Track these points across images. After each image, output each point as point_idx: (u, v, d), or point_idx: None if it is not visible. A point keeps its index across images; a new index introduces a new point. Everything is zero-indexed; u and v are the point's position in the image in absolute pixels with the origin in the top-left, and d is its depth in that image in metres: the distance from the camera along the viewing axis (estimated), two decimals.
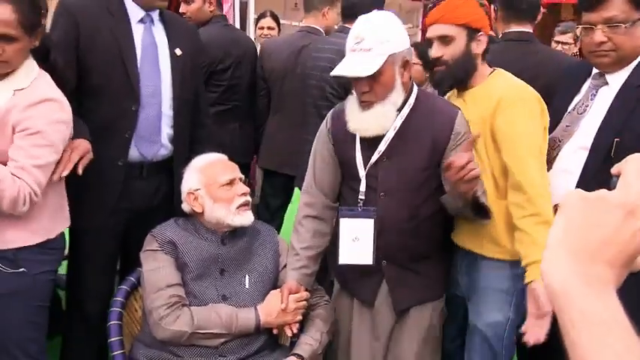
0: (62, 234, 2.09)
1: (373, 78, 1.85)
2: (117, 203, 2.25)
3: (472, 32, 2.03)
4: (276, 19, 4.60)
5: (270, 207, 3.39)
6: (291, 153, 3.20)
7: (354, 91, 1.98)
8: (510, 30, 2.65)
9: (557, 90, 2.19)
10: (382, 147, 1.96)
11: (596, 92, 2.01)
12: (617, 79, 1.96)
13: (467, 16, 2.02)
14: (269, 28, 4.42)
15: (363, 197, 1.99)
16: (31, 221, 1.94)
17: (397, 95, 1.91)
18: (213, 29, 3.32)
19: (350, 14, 2.80)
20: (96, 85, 2.18)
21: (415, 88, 2.01)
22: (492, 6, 2.53)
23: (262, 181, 3.52)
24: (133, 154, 2.26)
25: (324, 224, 2.15)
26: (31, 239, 1.96)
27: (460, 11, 2.01)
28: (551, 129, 2.04)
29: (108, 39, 2.18)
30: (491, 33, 2.21)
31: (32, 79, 1.89)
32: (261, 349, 2.08)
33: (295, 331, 2.11)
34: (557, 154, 2.03)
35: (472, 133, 1.95)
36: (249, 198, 2.18)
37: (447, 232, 2.15)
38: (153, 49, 2.28)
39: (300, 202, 2.20)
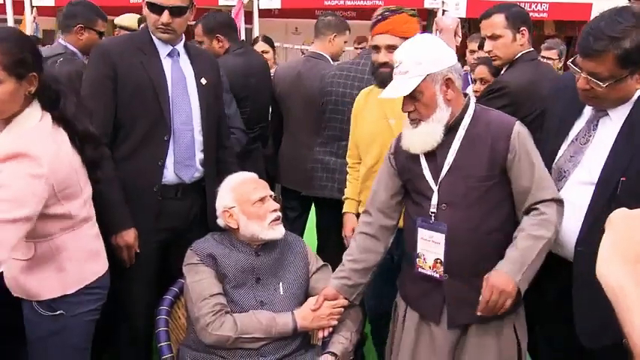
0: (106, 273, 2.13)
1: (415, 98, 2.00)
2: (156, 224, 2.48)
3: None
4: (269, 42, 4.88)
5: (288, 218, 3.61)
6: (298, 171, 3.45)
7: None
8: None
9: (550, 104, 2.28)
10: (450, 159, 2.04)
11: (597, 122, 2.02)
12: (618, 112, 1.97)
13: (411, 31, 2.49)
14: (263, 51, 4.68)
15: (435, 210, 2.05)
16: (63, 274, 1.95)
17: (442, 113, 2.02)
18: (228, 60, 3.53)
19: None
20: (131, 118, 2.41)
21: (472, 103, 2.12)
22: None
23: (280, 194, 3.77)
24: (171, 178, 2.49)
25: (378, 243, 2.26)
26: (66, 290, 1.96)
27: (407, 27, 2.49)
28: (548, 145, 2.15)
29: (141, 74, 2.41)
30: None
31: (26, 129, 1.83)
32: (297, 349, 2.30)
33: (327, 334, 2.31)
34: (563, 185, 2.07)
35: None
36: (279, 213, 2.39)
37: None
38: (182, 80, 2.51)
39: (359, 220, 2.36)
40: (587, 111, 2.08)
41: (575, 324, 2.03)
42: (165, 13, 2.38)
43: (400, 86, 2.00)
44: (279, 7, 8.44)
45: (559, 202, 2.01)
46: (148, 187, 2.45)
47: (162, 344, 2.25)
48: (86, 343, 2.09)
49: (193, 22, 3.49)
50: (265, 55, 4.66)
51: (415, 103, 2.02)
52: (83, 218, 1.99)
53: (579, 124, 2.09)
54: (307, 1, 8.62)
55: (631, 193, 1.89)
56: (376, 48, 2.55)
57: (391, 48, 2.46)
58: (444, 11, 9.01)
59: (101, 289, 2.10)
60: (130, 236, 2.41)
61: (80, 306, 1.99)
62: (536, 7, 9.01)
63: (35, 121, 1.84)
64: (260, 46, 4.76)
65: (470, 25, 10.03)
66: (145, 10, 2.43)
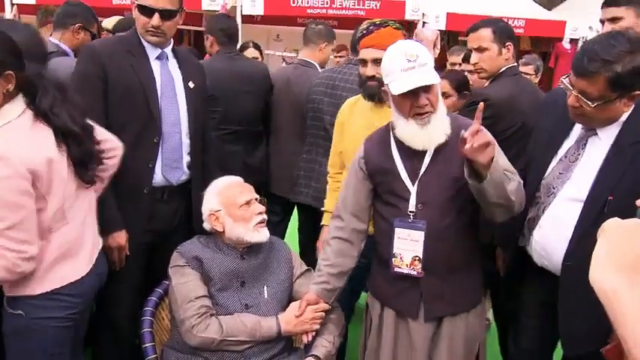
0: (84, 282, 2.06)
1: (430, 91, 2.03)
2: (146, 225, 2.50)
3: None
4: (258, 48, 4.95)
5: (270, 222, 3.63)
6: (284, 178, 3.48)
7: (401, 116, 2.11)
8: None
9: (539, 118, 2.35)
10: (427, 161, 2.11)
11: (586, 142, 2.08)
12: (606, 132, 2.03)
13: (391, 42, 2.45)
14: (253, 57, 4.74)
15: (413, 210, 2.11)
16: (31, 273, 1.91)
17: (443, 107, 2.13)
18: (216, 61, 3.59)
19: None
20: (121, 120, 2.42)
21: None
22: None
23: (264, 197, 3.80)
24: (159, 180, 2.52)
25: (351, 246, 2.31)
26: (28, 291, 1.93)
27: (392, 40, 2.38)
28: (537, 160, 2.23)
29: (131, 77, 2.42)
30: None
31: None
32: (280, 352, 2.33)
33: (311, 338, 2.35)
34: (552, 201, 2.14)
35: None
36: (265, 216, 2.43)
37: (479, 244, 2.28)
38: (171, 83, 2.53)
39: (330, 224, 2.39)
40: (577, 130, 2.14)
41: (560, 333, 2.12)
42: (156, 16, 2.40)
43: (425, 76, 2.01)
44: (261, 13, 8.48)
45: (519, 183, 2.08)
46: (139, 189, 2.46)
47: (146, 345, 2.27)
48: (55, 349, 2.01)
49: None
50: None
51: (429, 97, 2.05)
52: (60, 219, 1.96)
53: (568, 143, 2.16)
54: (290, 8, 8.67)
55: (617, 212, 1.91)
56: (363, 62, 2.60)
57: (378, 61, 2.48)
58: (424, 23, 9.15)
59: (71, 297, 2.02)
60: (121, 238, 2.42)
61: (43, 310, 1.94)
62: (513, 22, 9.18)
63: (12, 117, 1.85)
64: (250, 52, 4.83)
65: (449, 38, 10.21)
66: (135, 13, 2.44)
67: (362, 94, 2.69)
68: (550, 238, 2.13)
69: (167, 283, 2.44)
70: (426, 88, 2.03)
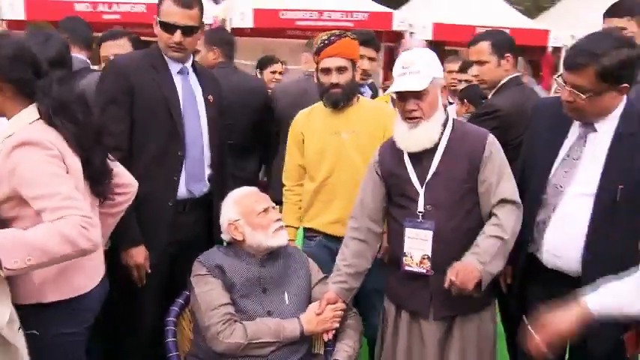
0: (93, 296, 2.04)
1: (421, 98, 2.19)
2: (170, 237, 2.54)
3: (354, 64, 2.77)
4: (282, 62, 5.38)
5: None
6: None
7: (398, 117, 2.30)
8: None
9: (533, 124, 2.42)
10: (435, 163, 2.25)
11: (586, 139, 2.17)
12: (604, 127, 2.13)
13: (356, 53, 2.81)
14: (280, 72, 5.11)
15: (422, 210, 2.24)
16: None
17: (440, 114, 2.26)
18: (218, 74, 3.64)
19: None
20: (146, 135, 2.47)
21: (450, 117, 2.36)
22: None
23: None
24: (183, 193, 2.57)
25: (367, 247, 2.42)
26: (44, 296, 1.91)
27: (352, 49, 2.77)
28: (538, 163, 2.28)
29: (155, 91, 2.48)
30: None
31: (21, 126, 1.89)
32: (303, 357, 2.39)
33: (331, 337, 2.42)
34: (561, 199, 2.19)
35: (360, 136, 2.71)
36: (282, 223, 2.51)
37: None
38: (192, 97, 2.59)
39: (347, 226, 2.47)
40: (575, 129, 2.24)
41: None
42: (178, 32, 2.45)
43: (414, 82, 2.18)
44: (251, 26, 8.53)
45: (517, 205, 2.23)
46: (164, 202, 2.51)
47: (172, 354, 2.30)
48: None
49: None
50: (278, 76, 5.07)
51: (419, 103, 2.20)
52: None
53: (568, 142, 2.24)
54: (279, 20, 8.74)
55: (630, 200, 2.07)
56: (326, 70, 2.73)
57: (341, 69, 2.71)
58: (411, 33, 9.28)
59: (85, 312, 2.02)
60: (139, 256, 2.46)
61: (62, 325, 1.93)
62: None
63: (35, 117, 1.90)
64: (277, 67, 5.21)
65: (435, 48, 10.35)
66: (157, 29, 2.50)
67: (324, 102, 2.80)
68: (563, 237, 2.19)
69: (187, 293, 2.49)
70: (417, 95, 2.20)
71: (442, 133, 2.27)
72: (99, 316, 2.13)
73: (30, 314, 1.86)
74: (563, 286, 2.21)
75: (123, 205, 2.25)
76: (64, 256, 1.74)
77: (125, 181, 2.24)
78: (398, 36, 9.42)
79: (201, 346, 2.34)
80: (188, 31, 2.48)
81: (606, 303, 1.86)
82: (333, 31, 2.77)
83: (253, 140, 3.87)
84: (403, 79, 2.20)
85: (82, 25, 3.48)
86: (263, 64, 5.42)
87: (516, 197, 2.25)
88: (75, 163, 1.93)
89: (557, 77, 2.19)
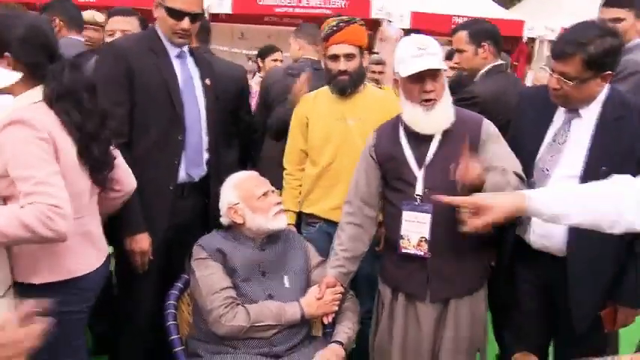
0: (91, 278, 2.05)
1: (436, 79, 2.20)
2: (169, 222, 2.53)
3: (362, 51, 2.77)
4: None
5: None
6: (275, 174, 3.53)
7: (408, 101, 2.27)
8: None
9: (520, 110, 2.47)
10: (433, 148, 2.27)
11: (570, 123, 2.26)
12: (588, 112, 2.22)
13: (363, 39, 2.79)
14: (280, 61, 5.09)
15: (420, 194, 2.26)
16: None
17: (449, 97, 2.28)
18: None
19: None
20: (147, 119, 2.45)
21: None
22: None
23: None
24: (182, 177, 2.55)
25: (363, 231, 2.44)
26: (50, 277, 1.93)
27: (361, 35, 2.77)
28: (525, 147, 2.32)
29: (155, 75, 2.45)
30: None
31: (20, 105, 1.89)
32: (304, 339, 2.42)
33: (330, 320, 2.45)
34: (547, 182, 2.25)
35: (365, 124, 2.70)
36: (282, 206, 2.52)
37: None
38: (190, 81, 2.57)
39: (342, 211, 2.49)
40: (559, 115, 2.32)
41: (570, 305, 2.24)
42: (186, 19, 2.43)
43: (434, 62, 2.18)
44: (230, 12, 8.45)
45: (522, 179, 2.23)
46: (165, 187, 2.49)
47: (173, 337, 2.31)
48: (76, 341, 2.06)
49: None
50: (280, 64, 4.98)
51: (436, 84, 2.21)
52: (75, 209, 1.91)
53: (553, 127, 2.32)
54: (258, 7, 8.68)
55: None
56: (334, 57, 2.73)
57: (349, 56, 2.71)
58: (389, 21, 9.30)
59: (86, 291, 2.04)
60: (144, 242, 2.44)
61: (65, 304, 1.89)
62: None
63: (36, 99, 1.90)
64: (278, 55, 5.15)
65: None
66: (161, 14, 2.46)
67: (331, 89, 2.82)
68: None
69: (186, 277, 2.48)
70: (433, 77, 2.20)
71: None
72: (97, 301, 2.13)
73: (26, 292, 1.88)
74: (549, 266, 2.30)
75: (116, 201, 2.25)
76: (23, 239, 1.77)
77: (122, 179, 2.21)
78: (375, 24, 9.44)
79: (202, 329, 2.35)
80: (195, 17, 2.47)
81: (546, 202, 1.89)
82: (342, 17, 2.75)
83: (233, 126, 3.84)
84: (422, 60, 2.18)
85: (72, 6, 3.41)
86: (264, 52, 5.38)
87: (521, 170, 2.25)
88: (68, 149, 1.91)
89: (544, 66, 2.25)
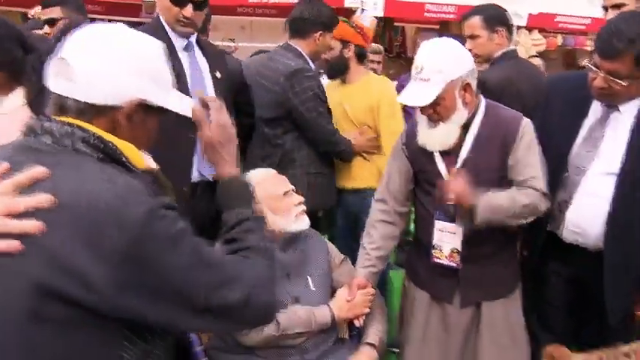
0: None
1: (435, 103, 2.08)
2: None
3: (344, 43, 3.17)
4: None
5: None
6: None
7: (416, 110, 2.23)
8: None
9: (548, 103, 2.38)
10: (464, 154, 2.18)
11: (609, 118, 2.17)
12: (627, 107, 2.14)
13: (342, 33, 3.19)
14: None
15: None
16: None
17: (460, 114, 2.15)
18: None
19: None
20: None
21: (483, 102, 2.24)
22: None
23: None
24: (195, 176, 2.41)
25: (395, 229, 2.38)
26: None
27: (339, 30, 3.17)
28: (554, 143, 2.24)
29: None
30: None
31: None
32: (334, 343, 2.30)
33: (362, 322, 2.34)
34: (582, 178, 2.19)
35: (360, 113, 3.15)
36: (304, 206, 2.38)
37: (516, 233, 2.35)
38: (199, 74, 2.42)
39: (373, 207, 2.41)
40: (595, 109, 2.23)
41: (605, 303, 2.19)
42: (189, 6, 2.31)
43: (422, 94, 2.08)
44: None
45: (546, 196, 2.15)
46: (179, 187, 2.31)
47: (197, 349, 2.15)
48: None
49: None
50: None
51: (436, 107, 2.11)
52: None
53: (588, 123, 2.24)
54: None
55: None
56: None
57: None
58: (362, 10, 9.22)
59: None
60: None
61: None
62: (445, 8, 9.42)
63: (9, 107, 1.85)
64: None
65: (385, 23, 10.34)
66: (164, 2, 2.32)
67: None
68: (586, 214, 2.20)
69: None
70: (433, 101, 2.08)
71: (472, 122, 2.19)
72: None
73: None
74: (581, 260, 2.24)
75: None
76: None
77: None
78: (349, 12, 9.34)
79: (226, 340, 2.21)
80: (199, 5, 2.34)
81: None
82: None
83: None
84: (412, 88, 2.11)
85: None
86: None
87: (546, 187, 2.15)
88: None
89: (588, 62, 2.14)
